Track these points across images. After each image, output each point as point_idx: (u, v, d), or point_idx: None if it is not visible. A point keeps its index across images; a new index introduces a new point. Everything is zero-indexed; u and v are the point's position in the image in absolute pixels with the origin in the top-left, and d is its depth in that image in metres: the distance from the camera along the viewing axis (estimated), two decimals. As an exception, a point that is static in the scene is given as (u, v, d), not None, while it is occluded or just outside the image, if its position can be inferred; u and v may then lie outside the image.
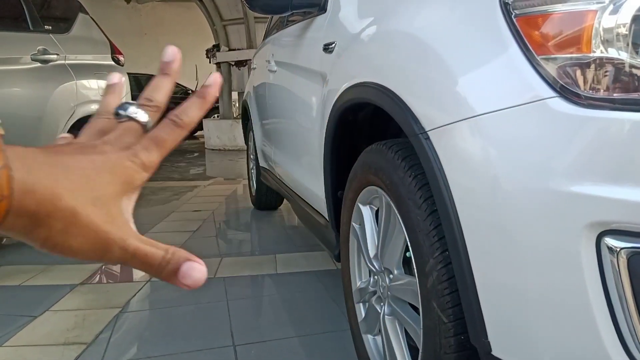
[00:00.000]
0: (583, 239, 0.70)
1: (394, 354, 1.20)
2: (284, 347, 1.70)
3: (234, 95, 9.19)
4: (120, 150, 0.33)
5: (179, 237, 3.05)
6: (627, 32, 0.70)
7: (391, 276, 1.21)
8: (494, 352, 0.84)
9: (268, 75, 2.70)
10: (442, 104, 0.93)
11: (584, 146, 0.71)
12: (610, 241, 0.69)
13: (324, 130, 1.59)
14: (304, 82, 1.94)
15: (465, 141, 0.86)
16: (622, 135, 0.69)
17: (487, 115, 0.82)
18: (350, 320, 1.51)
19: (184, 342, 1.75)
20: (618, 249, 0.68)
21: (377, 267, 1.29)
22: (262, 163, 3.26)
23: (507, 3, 0.82)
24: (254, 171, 3.72)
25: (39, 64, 2.98)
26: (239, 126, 7.75)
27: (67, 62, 3.24)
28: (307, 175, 2.01)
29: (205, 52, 9.24)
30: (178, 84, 11.96)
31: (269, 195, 3.60)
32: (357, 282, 1.45)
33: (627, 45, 0.70)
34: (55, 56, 3.12)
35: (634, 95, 0.70)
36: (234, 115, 9.04)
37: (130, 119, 0.36)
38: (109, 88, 0.41)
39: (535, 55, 0.78)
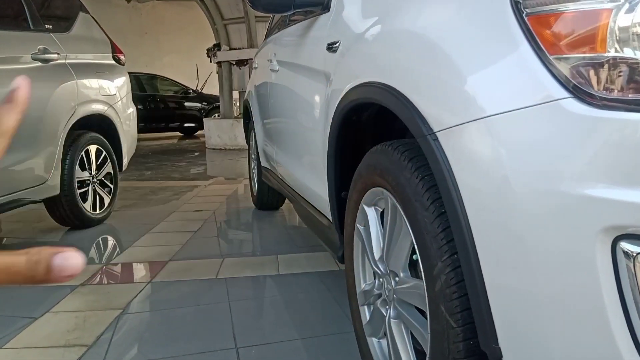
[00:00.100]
0: (598, 243, 0.69)
1: (399, 358, 1.19)
2: (287, 350, 1.69)
3: (235, 94, 9.18)
4: None
5: (180, 238, 3.03)
6: None
7: (397, 279, 1.19)
8: (505, 358, 0.83)
9: (270, 74, 2.68)
10: (451, 104, 0.91)
11: (599, 148, 0.70)
12: (626, 246, 0.67)
13: (328, 131, 1.57)
14: (307, 81, 1.93)
15: (476, 143, 0.84)
16: (638, 136, 0.67)
17: (498, 116, 0.80)
18: (354, 323, 1.49)
19: (186, 344, 1.73)
20: (635, 254, 0.66)
21: (382, 269, 1.27)
22: (263, 163, 3.24)
23: (518, 2, 0.81)
24: (255, 171, 3.70)
25: (39, 63, 2.96)
26: (239, 125, 7.75)
27: (67, 61, 3.22)
28: (309, 175, 2.00)
29: (206, 51, 9.23)
30: (179, 83, 11.99)
31: (270, 195, 3.59)
32: (362, 285, 1.44)
33: (644, 44, 0.69)
34: (55, 55, 3.10)
35: (651, 96, 0.68)
36: (235, 115, 9.03)
37: None
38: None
39: (548, 55, 0.76)
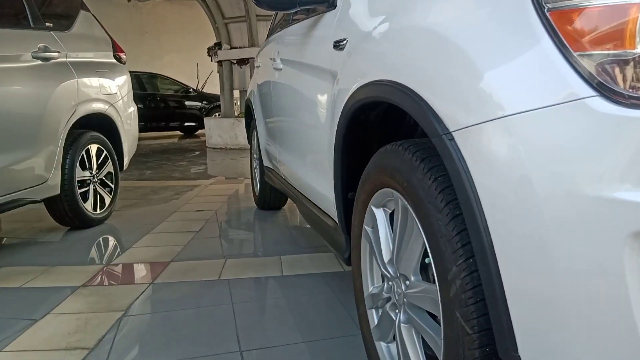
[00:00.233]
0: (626, 249, 0.65)
1: (410, 364, 1.15)
2: (291, 353, 1.65)
3: (236, 93, 9.16)
4: None
5: (182, 238, 3.00)
6: None
7: (407, 283, 1.16)
8: (525, 367, 0.80)
9: (273, 73, 2.65)
10: (468, 103, 0.88)
11: (627, 149, 0.67)
12: (657, 251, 0.64)
13: (334, 130, 1.54)
14: (312, 80, 1.89)
15: (495, 143, 0.81)
16: (669, 137, 0.64)
17: (519, 115, 0.77)
18: (362, 327, 1.46)
19: (189, 347, 1.70)
20: (666, 260, 0.63)
21: (391, 272, 1.24)
22: (266, 162, 3.21)
23: (539, -4, 0.78)
24: (257, 170, 3.67)
25: (40, 62, 2.93)
26: (240, 125, 7.73)
27: (68, 59, 3.19)
28: (314, 175, 1.96)
29: (206, 50, 9.21)
30: (179, 82, 11.96)
31: (272, 195, 3.55)
32: (370, 288, 1.41)
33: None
34: (56, 54, 3.07)
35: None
36: (236, 114, 9.00)
37: None
38: None
39: (572, 52, 0.73)
